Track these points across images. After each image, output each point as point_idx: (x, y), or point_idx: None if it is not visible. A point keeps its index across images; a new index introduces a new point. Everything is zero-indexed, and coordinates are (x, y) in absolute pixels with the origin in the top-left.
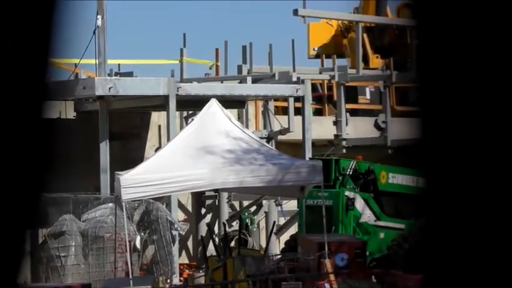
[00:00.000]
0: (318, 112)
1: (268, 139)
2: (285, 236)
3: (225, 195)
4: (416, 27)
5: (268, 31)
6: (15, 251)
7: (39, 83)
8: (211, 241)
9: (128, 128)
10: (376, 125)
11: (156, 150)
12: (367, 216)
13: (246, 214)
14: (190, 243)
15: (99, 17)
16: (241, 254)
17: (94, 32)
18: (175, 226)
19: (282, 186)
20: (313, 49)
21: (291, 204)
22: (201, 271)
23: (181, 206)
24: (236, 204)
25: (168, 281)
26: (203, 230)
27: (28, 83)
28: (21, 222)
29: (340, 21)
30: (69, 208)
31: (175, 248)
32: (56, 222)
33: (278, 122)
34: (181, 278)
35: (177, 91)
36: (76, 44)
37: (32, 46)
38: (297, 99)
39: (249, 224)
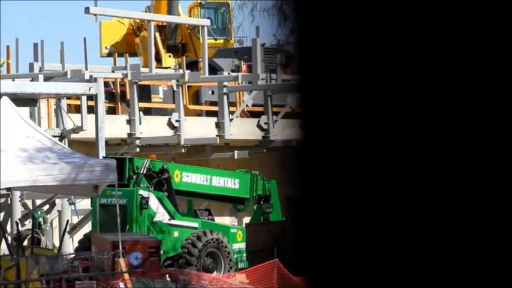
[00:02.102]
0: (111, 110)
1: (61, 138)
2: (79, 235)
3: (17, 193)
4: (297, 25)
5: (60, 29)
6: None
7: None
8: (3, 240)
9: None
10: (170, 124)
11: None
12: (161, 215)
13: (39, 213)
14: None
15: None
16: (35, 253)
17: None
18: None
19: (75, 185)
20: (105, 47)
21: (85, 203)
22: None
23: None
24: (29, 202)
25: None
26: None
27: None
28: None
29: (132, 20)
30: None
31: None
32: None
33: (71, 120)
34: None
35: None
36: None
37: None
38: (90, 97)
39: (42, 223)
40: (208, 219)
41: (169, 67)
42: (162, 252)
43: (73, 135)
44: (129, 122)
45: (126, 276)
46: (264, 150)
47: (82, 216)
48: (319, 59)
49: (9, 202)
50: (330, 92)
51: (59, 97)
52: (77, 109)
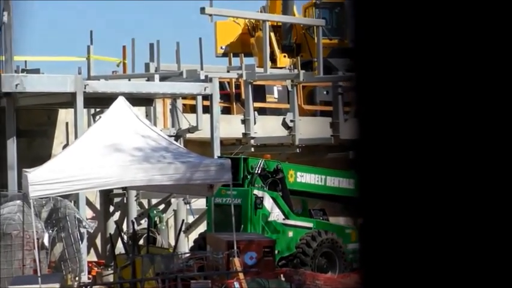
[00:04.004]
0: (226, 110)
1: (177, 137)
2: (194, 235)
3: (133, 193)
4: (353, 25)
5: (175, 29)
6: None
7: None
8: (119, 239)
9: (35, 125)
10: (284, 124)
11: (64, 147)
12: (276, 214)
13: (155, 212)
14: (98, 241)
15: (5, 13)
16: (150, 252)
17: (0, 29)
18: (84, 224)
19: (190, 185)
20: (221, 47)
21: (200, 203)
22: (109, 269)
23: (89, 203)
24: (145, 202)
25: (77, 278)
26: (111, 227)
27: None
28: None
29: (247, 20)
30: None
31: (83, 246)
32: None
33: (186, 120)
34: (90, 276)
35: (85, 88)
36: None
37: None
38: (205, 97)
39: (157, 222)
40: (322, 219)
41: (284, 67)
42: (276, 252)
43: (188, 135)
44: (243, 121)
45: (241, 275)
46: None
47: (197, 216)
48: (374, 58)
49: (125, 201)
50: (389, 91)
51: (174, 97)
52: (192, 109)
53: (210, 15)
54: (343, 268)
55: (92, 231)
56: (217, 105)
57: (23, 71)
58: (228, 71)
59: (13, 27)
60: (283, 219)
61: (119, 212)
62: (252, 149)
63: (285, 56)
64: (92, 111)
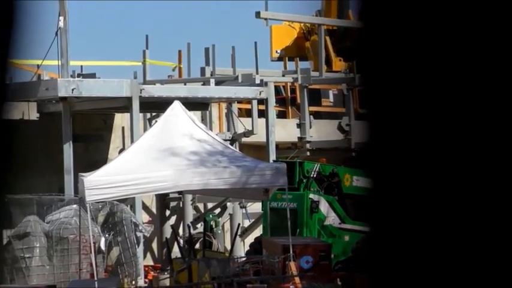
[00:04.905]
0: (282, 114)
1: (232, 141)
2: (250, 239)
3: (189, 197)
4: (361, 27)
5: (230, 33)
6: None
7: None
8: (175, 243)
9: (91, 129)
10: (340, 128)
11: (120, 152)
12: (332, 218)
13: (211, 216)
14: (155, 245)
15: (61, 18)
16: (206, 256)
17: (56, 33)
18: (140, 228)
19: (246, 189)
20: (276, 51)
21: (256, 207)
22: (166, 273)
23: (145, 207)
24: (200, 206)
25: (133, 282)
26: (168, 232)
27: None
28: None
29: (302, 24)
30: (33, 209)
31: (140, 250)
32: (20, 224)
33: (242, 124)
34: (146, 280)
35: (140, 93)
36: (38, 45)
37: None
38: (261, 101)
39: (213, 226)
40: None
41: (340, 71)
42: (332, 256)
43: (244, 139)
44: (299, 125)
45: (297, 279)
46: None
47: (253, 220)
48: (380, 59)
49: (181, 205)
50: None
51: (230, 101)
52: (248, 113)
53: (266, 19)
54: None
55: (148, 235)
56: (272, 109)
57: (79, 75)
58: (283, 75)
59: (69, 32)
60: (339, 223)
61: (175, 216)
62: (308, 153)
63: (340, 60)
64: (148, 115)
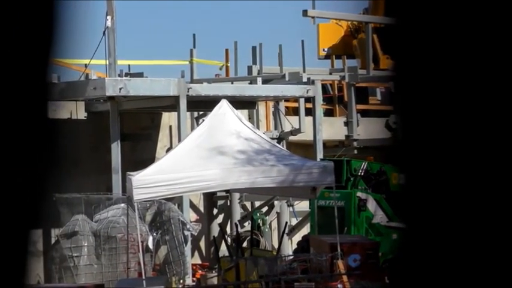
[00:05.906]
0: (329, 113)
1: (279, 140)
2: (297, 237)
3: (236, 195)
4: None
5: (277, 32)
6: (19, 252)
7: (42, 83)
8: (223, 241)
9: (139, 128)
10: (387, 126)
11: (167, 150)
12: (380, 217)
13: (258, 215)
14: (202, 244)
15: (108, 17)
16: (254, 255)
17: (104, 33)
18: (188, 226)
19: (293, 187)
20: (323, 50)
21: (303, 205)
22: (213, 271)
23: (193, 206)
24: (248, 204)
25: (181, 281)
26: (215, 230)
27: (31, 84)
28: (24, 222)
29: (349, 22)
30: (81, 208)
31: (187, 249)
32: (68, 223)
33: (289, 123)
34: (194, 279)
35: (188, 92)
36: (86, 44)
37: (34, 46)
38: (308, 99)
39: (261, 225)
40: None
41: (387, 69)
42: (380, 254)
43: (291, 138)
44: (346, 124)
45: (345, 278)
46: None
47: (300, 218)
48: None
49: (228, 204)
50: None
51: (277, 99)
52: (295, 111)
53: (313, 17)
54: None
55: (195, 233)
56: (319, 108)
57: (126, 74)
58: (330, 73)
59: (116, 31)
60: (387, 221)
61: (223, 214)
62: (355, 151)
63: (387, 58)
64: (195, 114)
